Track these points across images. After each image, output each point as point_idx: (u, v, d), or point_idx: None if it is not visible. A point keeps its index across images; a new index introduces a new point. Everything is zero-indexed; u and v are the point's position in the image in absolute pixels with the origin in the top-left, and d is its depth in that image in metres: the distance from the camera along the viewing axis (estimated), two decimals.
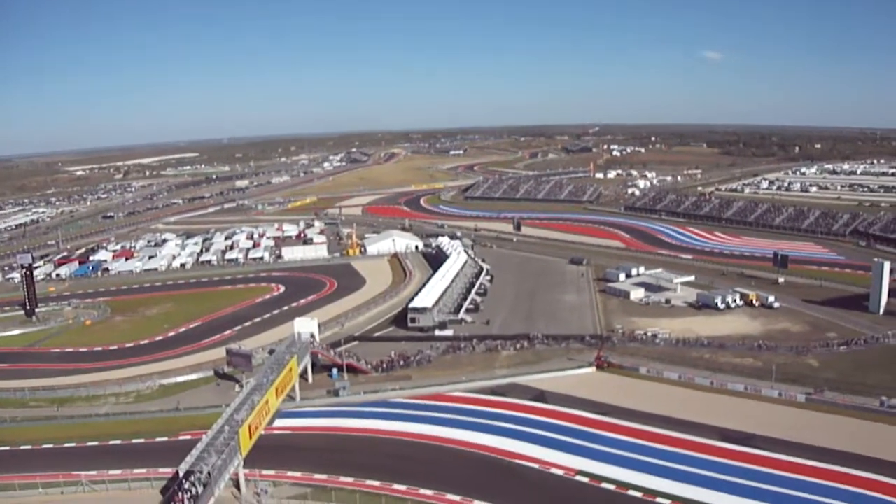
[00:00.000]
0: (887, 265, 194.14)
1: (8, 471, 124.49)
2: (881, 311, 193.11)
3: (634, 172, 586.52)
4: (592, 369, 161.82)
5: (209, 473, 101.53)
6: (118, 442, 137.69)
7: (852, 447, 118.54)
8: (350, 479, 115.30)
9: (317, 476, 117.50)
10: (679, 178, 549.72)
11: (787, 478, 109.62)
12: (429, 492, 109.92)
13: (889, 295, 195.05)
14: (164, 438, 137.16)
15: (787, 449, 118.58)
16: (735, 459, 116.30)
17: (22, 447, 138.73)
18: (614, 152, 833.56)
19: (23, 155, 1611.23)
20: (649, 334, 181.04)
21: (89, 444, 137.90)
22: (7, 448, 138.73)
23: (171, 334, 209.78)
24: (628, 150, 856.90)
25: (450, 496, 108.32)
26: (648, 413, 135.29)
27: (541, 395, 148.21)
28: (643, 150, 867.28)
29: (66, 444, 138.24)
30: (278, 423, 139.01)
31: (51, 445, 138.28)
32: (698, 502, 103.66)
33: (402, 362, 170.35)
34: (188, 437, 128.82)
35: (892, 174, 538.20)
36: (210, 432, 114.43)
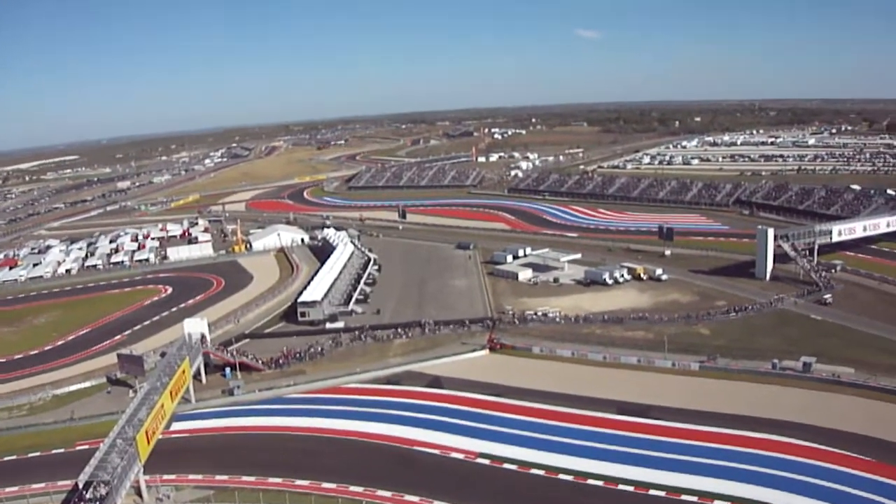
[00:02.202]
0: (771, 232, 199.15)
1: None
2: (767, 276, 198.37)
3: (516, 155, 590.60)
4: (486, 352, 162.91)
5: (109, 482, 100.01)
6: (13, 457, 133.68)
7: (748, 410, 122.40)
8: (252, 478, 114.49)
9: (218, 477, 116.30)
10: (561, 157, 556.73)
11: (685, 445, 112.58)
12: (331, 485, 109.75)
13: (774, 261, 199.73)
14: (61, 450, 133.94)
15: (684, 417, 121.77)
16: (633, 431, 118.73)
17: None
18: (495, 136, 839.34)
19: None
20: (540, 314, 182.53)
21: None
22: None
23: (60, 342, 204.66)
24: (509, 133, 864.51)
25: (353, 488, 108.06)
26: (544, 391, 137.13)
27: (436, 381, 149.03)
28: (524, 132, 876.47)
29: None
30: (175, 426, 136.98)
31: None
32: (600, 475, 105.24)
33: (295, 357, 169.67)
34: (85, 446, 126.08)
35: (772, 143, 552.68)
36: (107, 440, 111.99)
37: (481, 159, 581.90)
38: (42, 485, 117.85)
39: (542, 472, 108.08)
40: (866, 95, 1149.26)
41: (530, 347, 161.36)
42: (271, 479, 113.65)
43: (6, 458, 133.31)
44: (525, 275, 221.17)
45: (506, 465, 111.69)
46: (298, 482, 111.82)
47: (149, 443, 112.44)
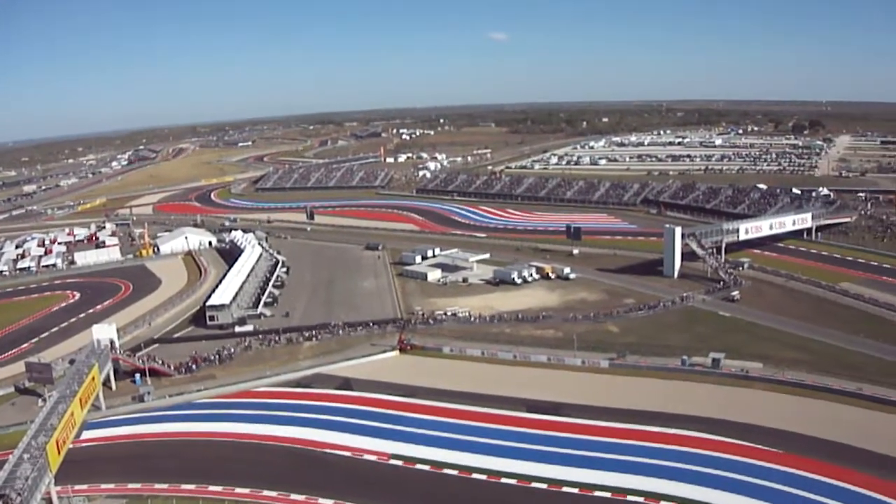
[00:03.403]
0: (678, 230, 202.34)
1: None
2: (675, 274, 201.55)
3: (424, 155, 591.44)
4: (396, 353, 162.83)
5: (19, 495, 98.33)
6: None
7: (658, 406, 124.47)
8: (165, 486, 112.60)
9: (131, 486, 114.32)
10: (469, 158, 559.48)
11: (596, 441, 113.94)
12: (245, 490, 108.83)
13: (682, 259, 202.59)
14: None
15: (594, 414, 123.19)
16: (543, 429, 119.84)
17: None
18: (403, 136, 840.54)
19: None
20: (449, 313, 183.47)
21: None
22: None
23: None
24: (417, 134, 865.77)
25: (266, 492, 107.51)
26: (455, 391, 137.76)
27: (346, 383, 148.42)
28: (432, 132, 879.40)
29: None
30: (86, 434, 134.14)
31: None
32: (514, 473, 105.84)
33: (204, 362, 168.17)
34: None
35: (679, 144, 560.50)
36: (17, 451, 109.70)
37: (389, 160, 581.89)
38: None
39: (455, 472, 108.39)
40: (772, 97, 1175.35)
41: (440, 347, 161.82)
42: (184, 486, 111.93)
43: None
44: (434, 275, 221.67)
45: (418, 466, 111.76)
46: (212, 488, 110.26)
47: (59, 453, 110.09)
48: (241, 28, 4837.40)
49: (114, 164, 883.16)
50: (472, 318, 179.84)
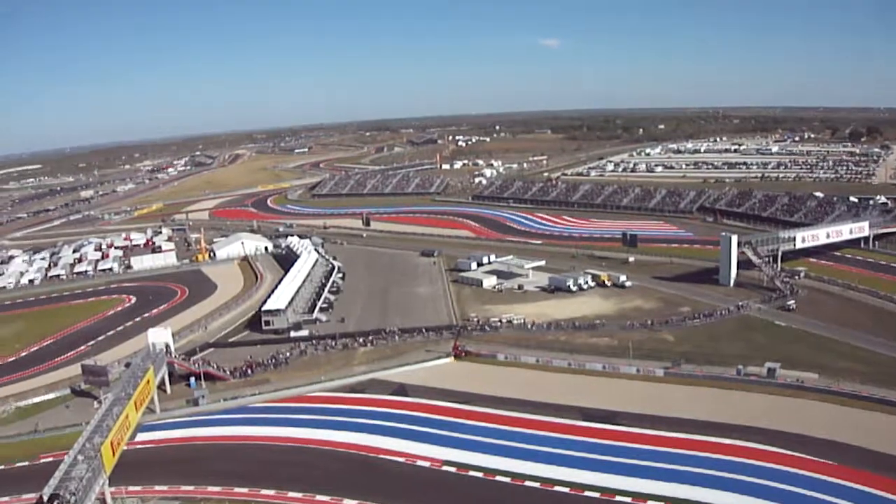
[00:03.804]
0: (734, 238, 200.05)
1: None
2: (731, 283, 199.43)
3: (480, 162, 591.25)
4: (450, 359, 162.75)
5: (74, 495, 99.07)
6: None
7: (713, 416, 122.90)
8: (217, 489, 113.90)
9: (184, 488, 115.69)
10: (525, 165, 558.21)
11: (650, 450, 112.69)
12: (298, 494, 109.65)
13: (738, 267, 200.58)
14: (25, 463, 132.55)
15: (649, 423, 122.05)
16: (598, 437, 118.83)
17: None
18: (459, 143, 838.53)
19: None
20: (504, 320, 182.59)
21: None
22: None
23: (23, 354, 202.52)
24: (473, 141, 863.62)
25: (319, 497, 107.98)
26: (509, 398, 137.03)
27: (401, 389, 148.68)
28: (488, 139, 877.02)
29: None
30: (140, 436, 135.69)
31: None
32: (567, 482, 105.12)
33: (259, 366, 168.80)
34: (50, 459, 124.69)
35: (735, 151, 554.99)
36: (72, 452, 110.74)
37: (445, 166, 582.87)
38: (6, 499, 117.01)
39: (507, 480, 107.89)
40: (829, 104, 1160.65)
41: (495, 354, 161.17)
42: (237, 490, 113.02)
43: None
44: (489, 282, 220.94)
45: (471, 473, 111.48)
46: (264, 492, 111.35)
47: (114, 454, 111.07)
48: (299, 34, 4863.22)
49: (170, 170, 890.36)
50: (529, 326, 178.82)
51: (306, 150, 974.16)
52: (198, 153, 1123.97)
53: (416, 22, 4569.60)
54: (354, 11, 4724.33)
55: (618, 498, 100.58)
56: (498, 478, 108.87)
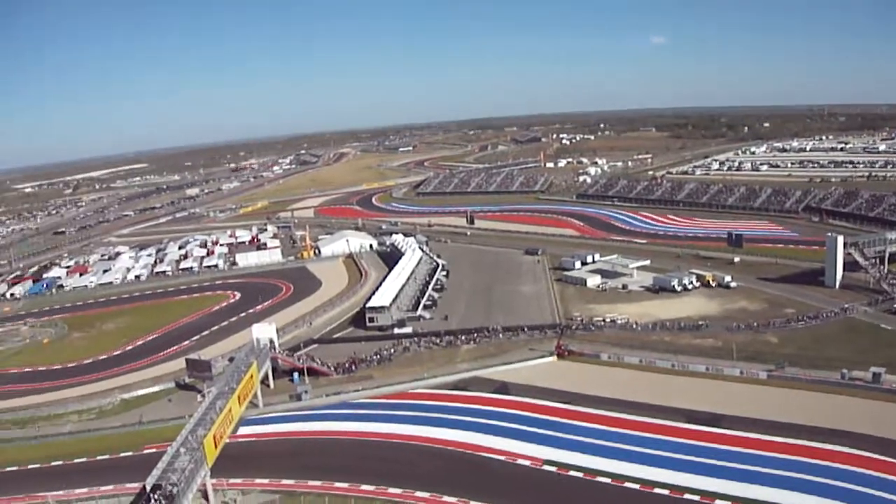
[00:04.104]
0: (841, 239, 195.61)
1: None
2: (837, 284, 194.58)
3: (585, 160, 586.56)
4: (553, 358, 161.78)
5: (176, 486, 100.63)
6: (83, 460, 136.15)
7: (816, 421, 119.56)
8: (318, 483, 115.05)
9: (284, 481, 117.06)
10: (630, 163, 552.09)
11: (753, 455, 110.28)
12: (397, 490, 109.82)
13: (844, 269, 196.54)
14: (129, 453, 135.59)
15: (753, 426, 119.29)
16: (701, 440, 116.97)
17: None
18: (564, 141, 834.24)
19: None
20: (608, 320, 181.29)
21: (54, 463, 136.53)
22: None
23: (129, 348, 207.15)
24: (577, 139, 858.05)
25: (419, 493, 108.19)
26: (612, 399, 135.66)
27: (503, 387, 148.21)
28: (592, 137, 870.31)
29: (30, 466, 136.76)
30: (242, 430, 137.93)
31: (15, 468, 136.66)
32: (667, 484, 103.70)
33: (363, 362, 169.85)
34: (153, 450, 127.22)
35: (842, 149, 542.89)
36: (175, 444, 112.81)
37: (549, 165, 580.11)
38: (110, 487, 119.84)
39: (608, 481, 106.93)
40: None
41: (598, 354, 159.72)
42: (337, 484, 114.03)
43: (76, 461, 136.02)
44: (593, 281, 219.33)
45: (572, 473, 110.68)
46: (364, 487, 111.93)
47: (216, 447, 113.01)
48: (403, 34, 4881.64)
49: (275, 168, 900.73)
50: (634, 325, 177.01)
51: (411, 148, 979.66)
52: (303, 152, 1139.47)
53: (522, 19, 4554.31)
54: (457, 10, 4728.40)
55: (717, 502, 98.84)
56: (598, 478, 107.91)
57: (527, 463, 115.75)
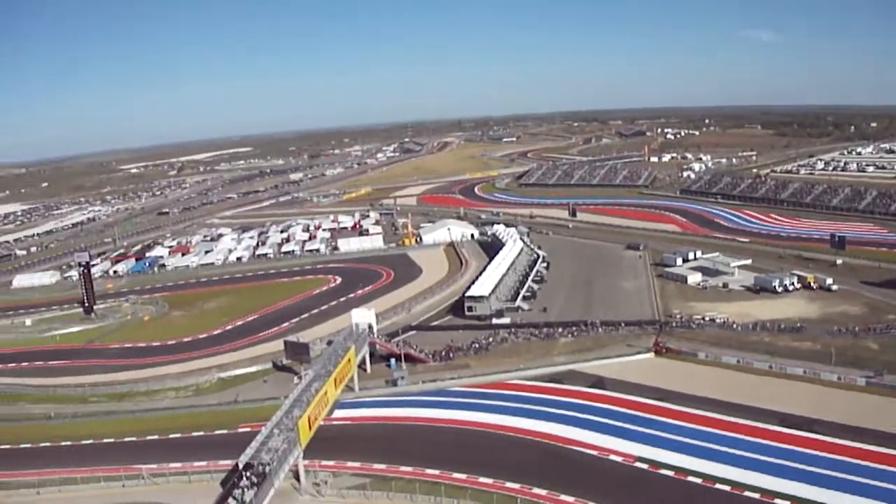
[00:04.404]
0: None
1: (70, 465, 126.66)
2: None
3: (689, 156, 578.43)
4: (651, 355, 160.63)
5: (269, 465, 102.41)
6: (178, 435, 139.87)
7: None
8: (409, 469, 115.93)
9: (376, 466, 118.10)
10: (734, 160, 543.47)
11: (848, 463, 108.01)
12: (488, 480, 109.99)
13: None
14: (224, 431, 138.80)
15: (848, 434, 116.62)
16: (795, 444, 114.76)
17: (83, 442, 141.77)
18: (668, 136, 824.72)
19: (78, 155, 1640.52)
20: (707, 318, 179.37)
21: (149, 437, 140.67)
22: (69, 443, 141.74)
23: (228, 328, 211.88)
24: (682, 134, 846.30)
25: (509, 484, 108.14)
26: (707, 398, 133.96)
27: (599, 382, 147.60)
28: (697, 132, 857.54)
29: (127, 439, 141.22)
30: (337, 413, 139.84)
31: (111, 440, 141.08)
32: (758, 488, 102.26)
33: (459, 351, 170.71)
34: (247, 429, 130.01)
35: None
36: (269, 424, 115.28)
37: (654, 159, 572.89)
38: (204, 463, 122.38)
39: (698, 481, 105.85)
40: None
41: (696, 353, 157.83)
42: (428, 471, 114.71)
43: (171, 436, 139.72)
44: (694, 278, 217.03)
45: (662, 471, 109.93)
46: (455, 475, 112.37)
47: (310, 428, 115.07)
48: (511, 24, 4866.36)
49: (379, 155, 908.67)
50: (734, 325, 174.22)
51: (514, 139, 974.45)
52: (407, 140, 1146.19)
53: (626, 13, 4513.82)
54: (563, 2, 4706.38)
55: None
56: (689, 478, 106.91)
57: (618, 459, 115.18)
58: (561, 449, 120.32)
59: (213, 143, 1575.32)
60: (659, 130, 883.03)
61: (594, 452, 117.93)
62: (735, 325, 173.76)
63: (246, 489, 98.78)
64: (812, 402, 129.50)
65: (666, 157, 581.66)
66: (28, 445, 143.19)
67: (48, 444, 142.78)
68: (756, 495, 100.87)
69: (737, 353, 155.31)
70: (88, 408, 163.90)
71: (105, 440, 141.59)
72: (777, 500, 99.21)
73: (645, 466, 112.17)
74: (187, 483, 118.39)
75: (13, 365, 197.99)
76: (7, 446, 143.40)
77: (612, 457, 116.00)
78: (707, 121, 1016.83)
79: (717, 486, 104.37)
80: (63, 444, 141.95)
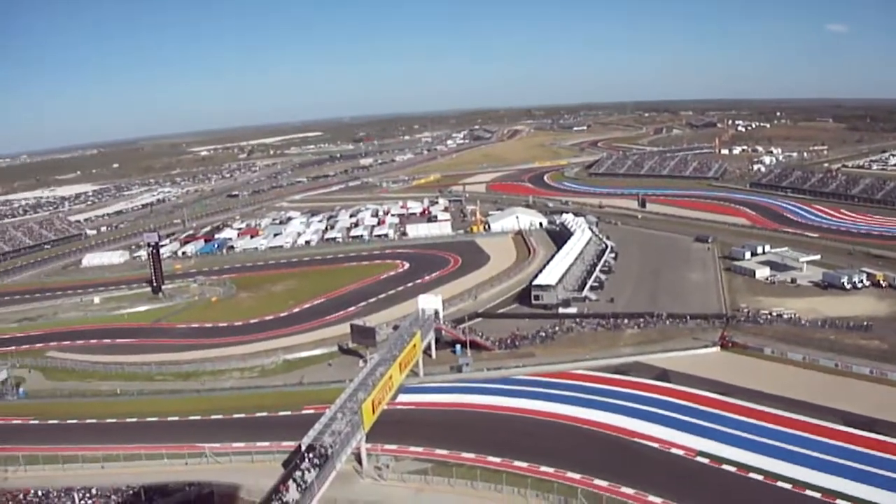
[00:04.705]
0: None
1: (134, 441, 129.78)
2: None
3: (760, 148, 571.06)
4: (716, 349, 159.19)
5: (331, 447, 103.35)
6: (242, 415, 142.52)
7: None
8: (471, 455, 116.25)
9: (438, 451, 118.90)
10: (805, 154, 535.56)
11: None
12: (549, 469, 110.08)
13: None
14: (288, 412, 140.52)
15: None
16: (859, 445, 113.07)
17: (148, 419, 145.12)
18: (739, 128, 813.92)
19: (148, 137, 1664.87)
20: (774, 314, 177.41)
21: (213, 417, 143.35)
22: (134, 420, 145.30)
23: (295, 310, 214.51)
24: (753, 126, 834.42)
25: (570, 474, 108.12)
26: (771, 394, 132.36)
27: (664, 374, 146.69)
28: (768, 125, 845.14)
29: (191, 417, 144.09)
30: (401, 398, 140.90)
31: (176, 418, 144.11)
32: (820, 487, 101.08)
33: (525, 339, 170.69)
34: (311, 411, 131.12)
35: None
36: (333, 407, 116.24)
37: (724, 151, 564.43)
38: (267, 443, 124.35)
39: (760, 478, 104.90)
40: None
41: (762, 348, 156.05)
42: (490, 458, 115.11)
43: (235, 416, 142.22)
44: (762, 273, 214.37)
45: (724, 466, 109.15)
46: (517, 463, 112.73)
47: (374, 412, 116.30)
48: (579, 13, 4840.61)
49: (449, 142, 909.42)
50: (802, 321, 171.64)
51: (585, 128, 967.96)
52: (476, 127, 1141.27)
53: (698, 4, 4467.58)
54: None
55: None
56: (751, 474, 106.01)
57: (680, 452, 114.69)
58: (623, 441, 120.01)
59: (282, 128, 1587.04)
60: (730, 122, 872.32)
61: (656, 445, 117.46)
62: (804, 322, 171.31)
63: (308, 470, 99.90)
64: (877, 402, 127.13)
65: (737, 150, 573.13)
66: (94, 421, 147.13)
67: (114, 420, 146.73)
68: (817, 494, 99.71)
69: (803, 350, 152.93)
70: (154, 386, 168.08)
71: (170, 418, 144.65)
72: (838, 501, 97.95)
73: (706, 461, 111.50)
74: (250, 462, 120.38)
75: (82, 342, 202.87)
76: (74, 421, 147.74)
77: (674, 450, 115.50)
78: (778, 113, 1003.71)
79: (779, 483, 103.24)
80: (128, 420, 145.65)
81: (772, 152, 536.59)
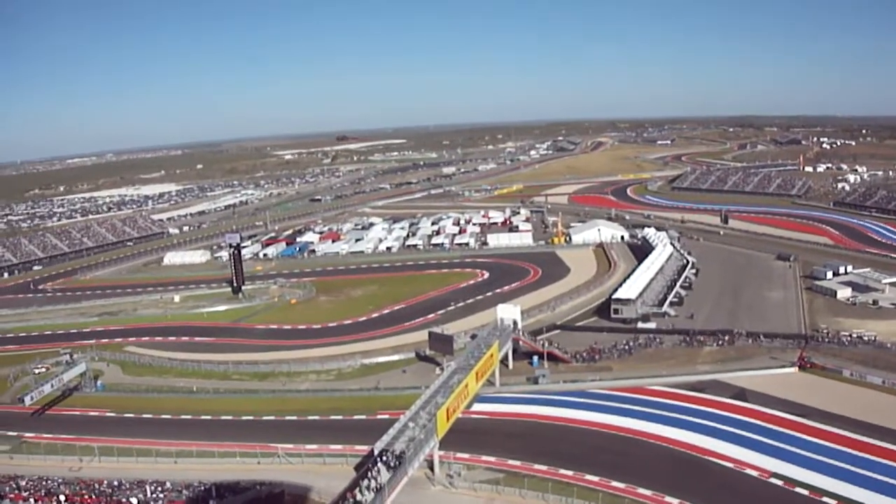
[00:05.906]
0: None
1: (208, 438, 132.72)
2: None
3: (844, 166, 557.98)
4: (794, 369, 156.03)
5: (404, 453, 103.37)
6: (316, 417, 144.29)
7: None
8: (544, 467, 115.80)
9: (511, 462, 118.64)
10: (891, 173, 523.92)
11: None
12: (621, 485, 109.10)
13: None
14: (362, 417, 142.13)
15: None
16: None
17: (223, 417, 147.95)
18: (824, 145, 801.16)
19: (233, 140, 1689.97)
20: (854, 335, 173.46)
21: (288, 418, 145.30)
22: (209, 417, 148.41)
23: (374, 315, 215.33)
24: (838, 144, 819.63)
25: (641, 490, 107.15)
26: (849, 418, 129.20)
27: (741, 393, 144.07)
28: (853, 143, 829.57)
29: (266, 417, 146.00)
30: (476, 407, 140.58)
31: (250, 417, 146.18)
32: None
33: (602, 353, 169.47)
34: (386, 416, 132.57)
35: None
36: (408, 413, 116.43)
37: (808, 169, 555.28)
38: (340, 446, 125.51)
39: (833, 502, 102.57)
40: None
41: (841, 370, 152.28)
42: (562, 471, 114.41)
43: (309, 418, 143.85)
44: (844, 293, 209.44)
45: (797, 489, 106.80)
46: (588, 477, 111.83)
47: (448, 420, 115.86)
48: (664, 27, 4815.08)
49: (532, 152, 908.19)
50: (884, 344, 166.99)
51: (669, 142, 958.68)
52: (560, 138, 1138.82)
53: (787, 18, 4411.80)
54: (719, 8, 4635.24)
55: None
56: (824, 499, 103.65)
57: (754, 473, 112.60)
58: (697, 459, 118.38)
59: (366, 134, 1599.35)
60: (815, 139, 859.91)
61: (730, 465, 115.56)
62: (887, 345, 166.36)
63: (379, 475, 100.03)
64: None
65: (821, 168, 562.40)
66: (169, 416, 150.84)
67: (189, 416, 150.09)
68: None
69: (883, 374, 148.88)
70: (230, 384, 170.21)
71: (244, 417, 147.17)
72: None
73: (780, 483, 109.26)
74: (322, 464, 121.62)
75: (160, 339, 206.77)
76: (150, 415, 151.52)
77: (748, 470, 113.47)
78: (864, 131, 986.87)
79: None
80: (203, 417, 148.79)
81: (856, 170, 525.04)
